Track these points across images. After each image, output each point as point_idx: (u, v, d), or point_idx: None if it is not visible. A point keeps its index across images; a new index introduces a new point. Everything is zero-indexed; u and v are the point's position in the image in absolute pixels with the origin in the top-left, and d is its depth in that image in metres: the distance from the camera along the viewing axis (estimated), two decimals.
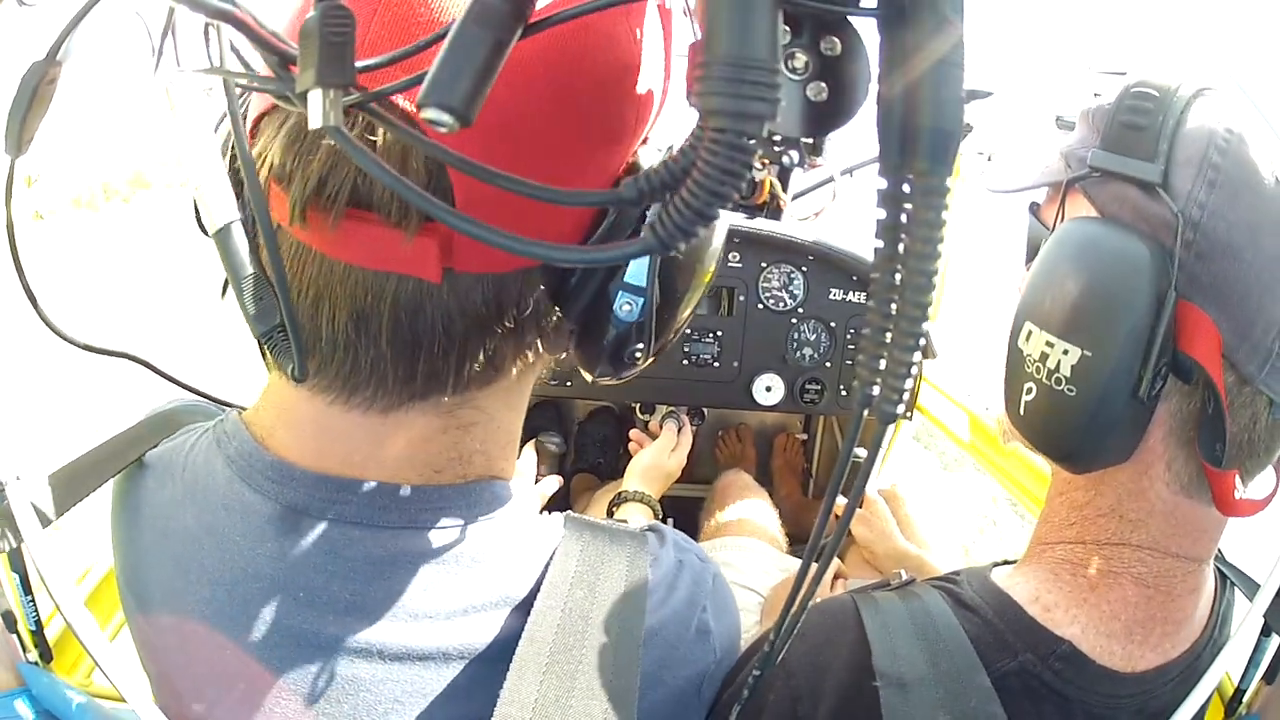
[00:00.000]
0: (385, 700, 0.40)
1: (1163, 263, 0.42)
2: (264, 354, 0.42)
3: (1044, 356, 0.46)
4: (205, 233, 0.51)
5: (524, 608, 0.42)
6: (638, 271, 0.39)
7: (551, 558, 0.44)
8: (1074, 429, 0.45)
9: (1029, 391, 0.48)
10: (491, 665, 0.41)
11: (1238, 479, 0.44)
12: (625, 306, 0.39)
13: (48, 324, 0.51)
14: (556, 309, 0.41)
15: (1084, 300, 0.45)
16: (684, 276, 0.42)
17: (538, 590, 0.42)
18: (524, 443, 1.16)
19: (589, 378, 0.46)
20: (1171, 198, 0.43)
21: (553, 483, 1.07)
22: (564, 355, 0.45)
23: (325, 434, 0.42)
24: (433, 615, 0.40)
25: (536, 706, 0.38)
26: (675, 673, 0.45)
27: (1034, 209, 0.58)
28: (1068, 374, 0.45)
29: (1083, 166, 0.49)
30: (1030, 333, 0.48)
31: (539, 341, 0.42)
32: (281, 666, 0.41)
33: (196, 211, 0.51)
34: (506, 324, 0.39)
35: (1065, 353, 0.45)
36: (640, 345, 0.42)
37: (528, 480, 1.08)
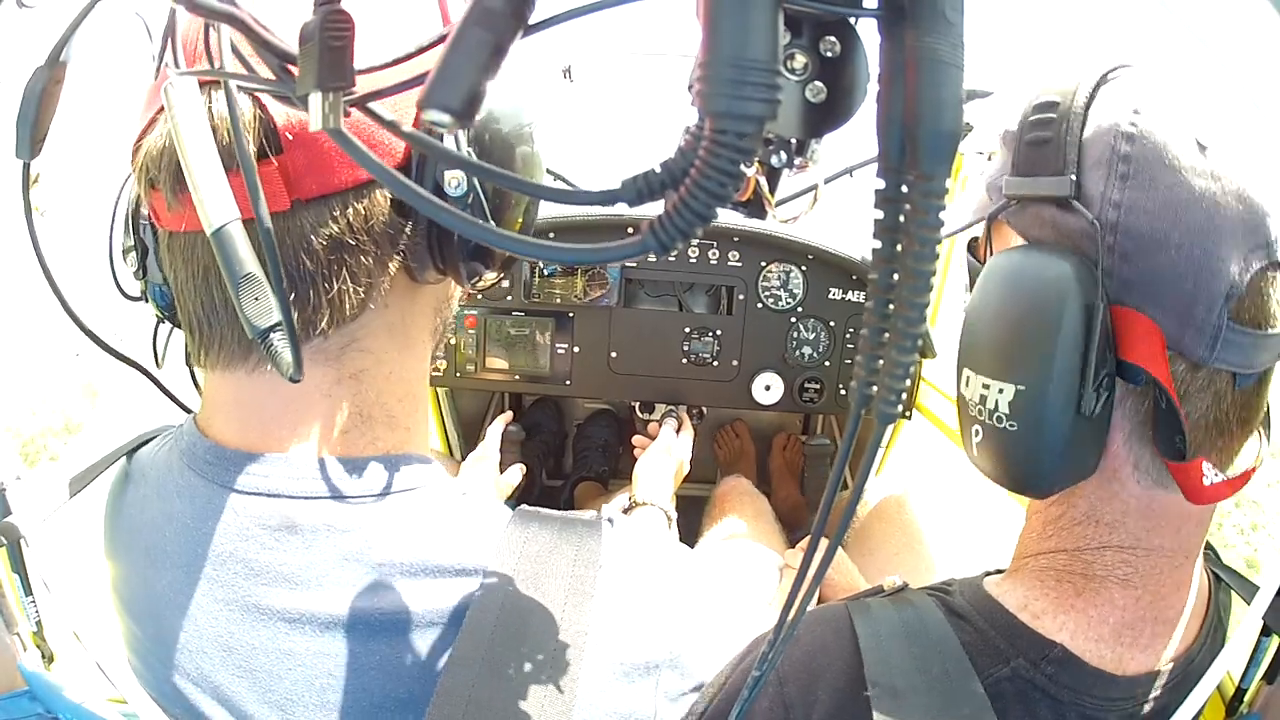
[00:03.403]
0: (320, 674, 0.42)
1: (1088, 275, 0.41)
2: (192, 348, 0.45)
3: (983, 399, 0.45)
4: (124, 294, 0.54)
5: (452, 586, 0.43)
6: (451, 146, 0.41)
7: (496, 548, 0.45)
8: (1024, 462, 0.44)
9: (977, 434, 0.47)
10: (419, 642, 0.42)
11: (1207, 465, 0.42)
12: (453, 181, 0.41)
13: (74, 319, 0.52)
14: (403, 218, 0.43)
15: (1010, 335, 0.44)
16: (497, 148, 0.43)
17: (470, 571, 0.43)
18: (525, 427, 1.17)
19: (469, 289, 0.49)
20: (1086, 205, 0.41)
21: (516, 472, 1.07)
22: (433, 277, 0.47)
23: (242, 409, 0.45)
24: (352, 585, 0.42)
25: (469, 704, 0.39)
26: (625, 664, 0.45)
27: (971, 246, 0.57)
28: (1006, 411, 0.44)
29: (1001, 196, 0.48)
30: (968, 378, 0.47)
31: (397, 253, 0.44)
32: (232, 644, 0.43)
33: (113, 270, 0.54)
34: (361, 239, 0.41)
35: (1000, 391, 0.44)
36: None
37: (492, 467, 1.08)
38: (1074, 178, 0.42)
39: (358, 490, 0.43)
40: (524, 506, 0.50)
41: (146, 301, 0.50)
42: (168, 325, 0.55)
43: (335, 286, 0.42)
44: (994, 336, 0.45)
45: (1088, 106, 0.42)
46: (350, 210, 0.41)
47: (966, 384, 0.47)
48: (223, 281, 0.39)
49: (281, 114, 0.38)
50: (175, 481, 0.46)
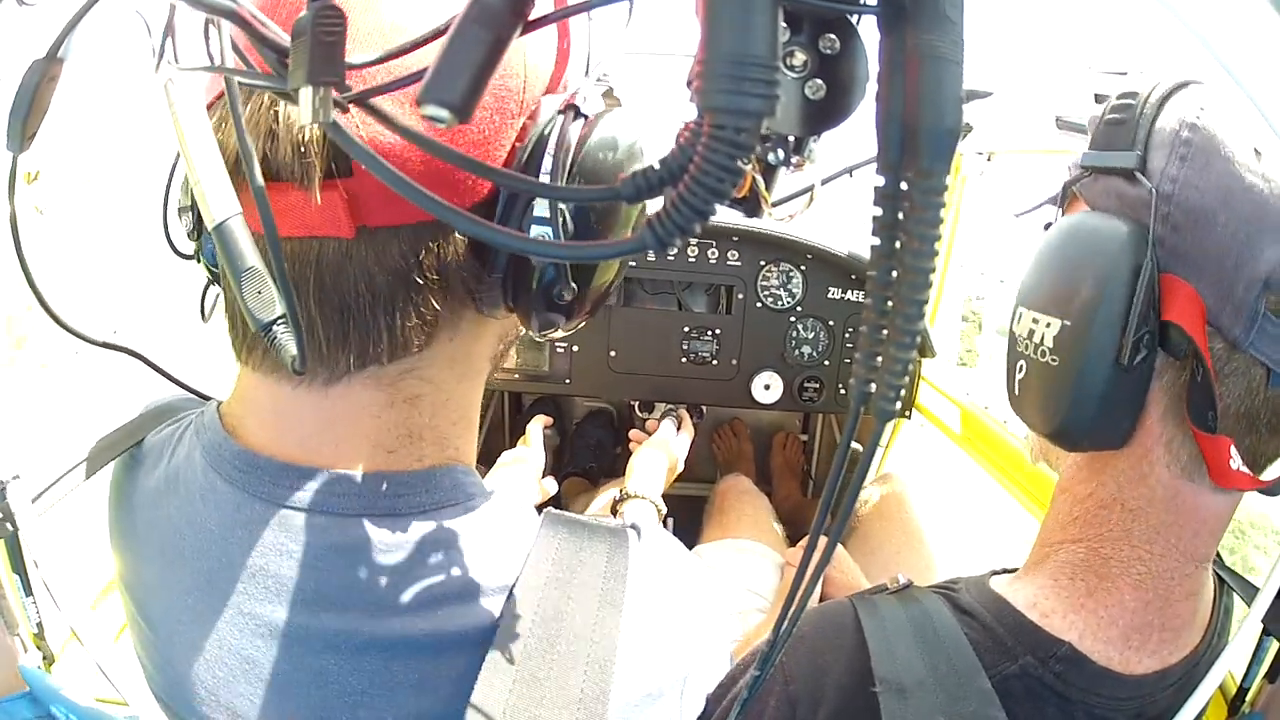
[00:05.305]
0: (352, 692, 0.40)
1: (1141, 238, 0.44)
2: (236, 344, 0.43)
3: (1031, 333, 0.49)
4: (176, 251, 0.52)
5: (492, 601, 0.42)
6: (543, 204, 0.39)
7: (527, 555, 0.44)
8: (1060, 399, 0.46)
9: (1020, 369, 0.50)
10: (458, 658, 0.41)
11: (1234, 449, 0.43)
12: (540, 238, 0.39)
13: (52, 316, 0.52)
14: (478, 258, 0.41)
15: (1063, 276, 0.47)
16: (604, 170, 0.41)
17: (509, 585, 0.42)
18: (524, 426, 1.17)
19: (535, 335, 0.46)
20: (1147, 178, 0.45)
21: (553, 483, 1.07)
22: (502, 314, 0.44)
23: (281, 418, 0.43)
24: (395, 605, 0.41)
25: (506, 709, 0.38)
26: (654, 674, 0.44)
27: (1047, 228, 0.59)
28: (1050, 344, 0.47)
29: (1079, 171, 0.51)
30: (1021, 314, 0.51)
31: (470, 297, 0.42)
32: (256, 658, 0.41)
33: (166, 229, 0.52)
34: (430, 276, 0.39)
35: (1048, 325, 0.47)
36: (566, 283, 0.41)
37: (537, 469, 1.07)
38: (1141, 153, 0.46)
39: (400, 508, 0.42)
40: (551, 510, 0.48)
41: (199, 262, 0.48)
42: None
43: (399, 322, 0.40)
44: (1048, 277, 0.49)
45: (1163, 101, 0.46)
46: (422, 244, 0.38)
47: (1018, 320, 0.51)
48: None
49: (358, 135, 0.35)
50: (198, 482, 0.44)
